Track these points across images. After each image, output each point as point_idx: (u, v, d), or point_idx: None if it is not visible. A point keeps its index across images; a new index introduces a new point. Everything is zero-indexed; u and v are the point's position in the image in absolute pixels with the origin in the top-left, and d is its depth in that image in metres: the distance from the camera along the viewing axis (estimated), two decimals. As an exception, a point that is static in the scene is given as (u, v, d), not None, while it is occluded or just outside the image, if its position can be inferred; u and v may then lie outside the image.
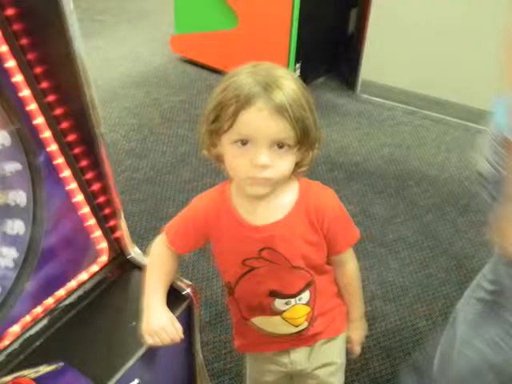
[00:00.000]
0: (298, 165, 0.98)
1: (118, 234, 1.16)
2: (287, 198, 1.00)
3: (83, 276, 1.11)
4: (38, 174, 0.99)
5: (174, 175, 2.50)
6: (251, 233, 0.99)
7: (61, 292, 1.08)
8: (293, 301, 1.06)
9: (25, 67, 0.95)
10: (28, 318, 1.02)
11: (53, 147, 1.02)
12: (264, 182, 0.92)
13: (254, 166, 0.90)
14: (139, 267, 1.14)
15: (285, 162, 0.92)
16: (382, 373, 1.67)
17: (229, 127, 0.89)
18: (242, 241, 1.01)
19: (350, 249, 1.09)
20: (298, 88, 0.91)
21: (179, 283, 1.09)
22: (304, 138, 0.92)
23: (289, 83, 0.90)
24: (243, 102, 0.87)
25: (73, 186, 1.06)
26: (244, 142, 0.89)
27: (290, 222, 0.99)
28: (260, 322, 1.10)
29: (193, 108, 3.01)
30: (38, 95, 0.98)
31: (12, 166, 0.96)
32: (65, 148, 1.03)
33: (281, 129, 0.88)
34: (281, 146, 0.90)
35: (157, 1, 4.21)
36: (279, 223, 0.99)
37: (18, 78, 0.94)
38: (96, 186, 1.10)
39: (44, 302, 1.05)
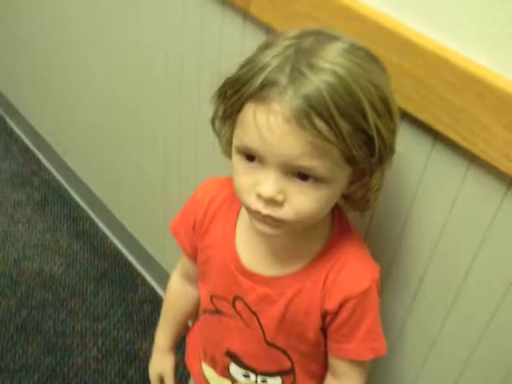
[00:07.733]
0: (347, 198, 0.65)
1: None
2: (307, 247, 0.68)
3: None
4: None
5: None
6: (240, 273, 0.70)
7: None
8: (253, 377, 0.77)
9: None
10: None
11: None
12: (272, 223, 0.59)
13: (256, 196, 0.58)
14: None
15: (308, 200, 0.57)
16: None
17: (230, 115, 0.60)
18: (223, 271, 0.72)
19: (354, 365, 0.71)
20: (358, 76, 0.53)
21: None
22: (353, 163, 0.56)
23: (338, 70, 0.52)
24: (253, 92, 0.54)
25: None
26: (250, 157, 0.58)
27: (293, 284, 0.68)
28: (209, 374, 0.84)
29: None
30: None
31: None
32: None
33: (305, 151, 0.53)
34: (304, 176, 0.56)
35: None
36: (280, 281, 0.68)
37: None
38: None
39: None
